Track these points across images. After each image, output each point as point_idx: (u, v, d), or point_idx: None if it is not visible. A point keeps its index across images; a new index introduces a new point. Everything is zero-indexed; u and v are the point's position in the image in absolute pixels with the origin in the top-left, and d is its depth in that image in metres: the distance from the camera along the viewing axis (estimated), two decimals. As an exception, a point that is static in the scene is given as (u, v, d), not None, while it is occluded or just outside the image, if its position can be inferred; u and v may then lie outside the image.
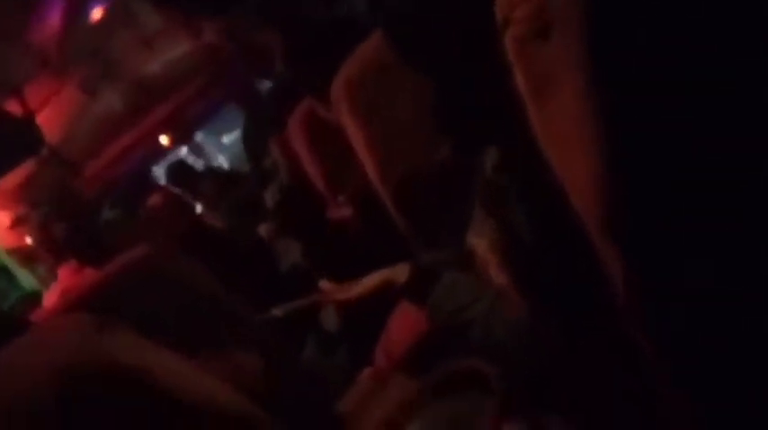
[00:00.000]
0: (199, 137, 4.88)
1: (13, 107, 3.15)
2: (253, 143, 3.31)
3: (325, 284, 1.80)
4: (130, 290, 1.32)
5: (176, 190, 3.49)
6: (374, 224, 1.58)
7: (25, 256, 3.29)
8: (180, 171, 3.99)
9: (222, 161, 4.82)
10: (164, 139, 4.29)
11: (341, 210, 1.87)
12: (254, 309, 1.97)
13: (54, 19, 3.06)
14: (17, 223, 3.26)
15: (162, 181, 4.00)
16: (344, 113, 1.16)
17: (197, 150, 5.00)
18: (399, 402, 1.19)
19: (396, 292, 1.52)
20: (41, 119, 3.28)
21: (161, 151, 4.37)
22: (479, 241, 0.85)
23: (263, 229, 2.77)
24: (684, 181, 0.48)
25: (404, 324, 1.57)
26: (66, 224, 1.93)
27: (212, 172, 4.10)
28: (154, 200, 3.05)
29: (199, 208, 3.53)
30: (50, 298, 2.24)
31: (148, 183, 3.69)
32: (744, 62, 0.47)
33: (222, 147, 5.08)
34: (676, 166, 0.48)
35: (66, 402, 0.60)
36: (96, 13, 3.33)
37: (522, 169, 0.64)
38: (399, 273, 1.53)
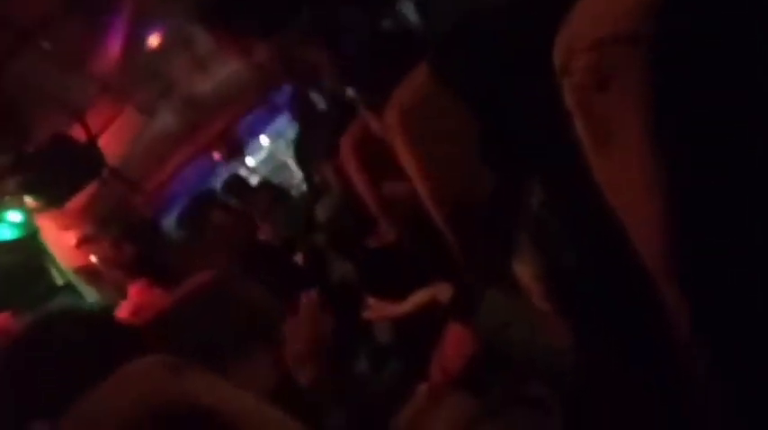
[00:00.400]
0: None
1: (76, 132, 3.30)
2: (305, 158, 3.37)
3: (372, 301, 1.84)
4: (198, 315, 1.38)
5: (236, 204, 3.57)
6: (422, 246, 1.60)
7: (90, 275, 3.43)
8: (235, 185, 4.09)
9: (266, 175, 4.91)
10: (217, 155, 4.42)
11: (389, 234, 1.89)
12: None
13: (114, 45, 3.20)
14: (83, 243, 3.41)
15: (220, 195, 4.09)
16: (398, 141, 1.18)
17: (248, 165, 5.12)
18: (460, 421, 1.21)
19: (441, 310, 1.55)
20: (103, 142, 3.42)
21: (215, 166, 4.50)
22: (524, 268, 0.87)
23: (316, 243, 2.81)
24: (747, 225, 0.49)
25: (459, 339, 1.58)
26: (136, 243, 2.01)
27: (266, 185, 4.19)
28: (218, 217, 3.12)
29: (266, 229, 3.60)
30: (121, 315, 2.34)
31: (210, 199, 3.77)
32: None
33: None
34: (737, 213, 0.49)
35: None
36: (154, 39, 3.46)
37: (574, 209, 0.65)
38: (444, 291, 1.56)
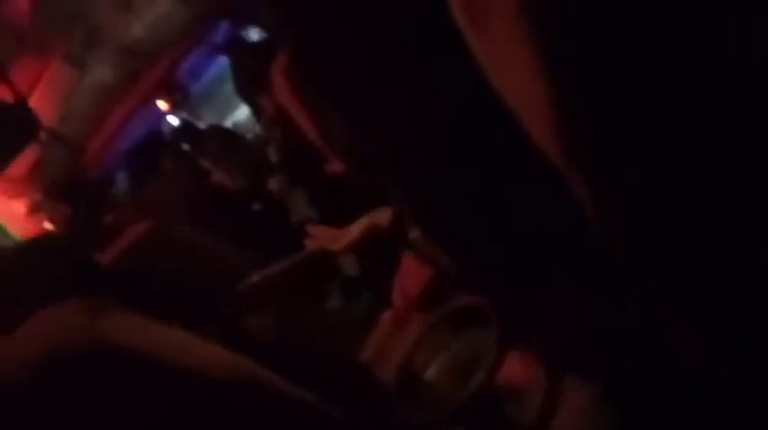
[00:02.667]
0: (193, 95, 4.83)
1: (2, 93, 3.12)
2: (247, 95, 3.26)
3: (315, 230, 1.82)
4: (138, 265, 1.34)
5: (185, 151, 3.47)
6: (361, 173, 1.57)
7: (46, 239, 3.33)
8: (184, 131, 3.96)
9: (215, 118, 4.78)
10: (161, 104, 4.25)
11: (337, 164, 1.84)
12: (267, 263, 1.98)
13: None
14: (33, 210, 3.29)
15: (168, 145, 3.97)
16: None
17: (193, 110, 4.95)
18: (412, 344, 1.21)
19: (382, 236, 1.56)
20: (33, 101, 3.24)
21: (161, 116, 4.33)
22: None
23: (272, 185, 2.76)
24: (627, 98, 0.46)
25: (414, 264, 1.58)
26: (65, 207, 1.94)
27: (215, 129, 4.06)
28: (166, 164, 3.03)
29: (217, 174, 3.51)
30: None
31: (157, 147, 3.66)
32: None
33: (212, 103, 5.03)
34: (620, 85, 0.45)
35: (56, 385, 0.60)
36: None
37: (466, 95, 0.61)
38: (382, 216, 1.56)
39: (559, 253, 0.75)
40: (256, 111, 3.25)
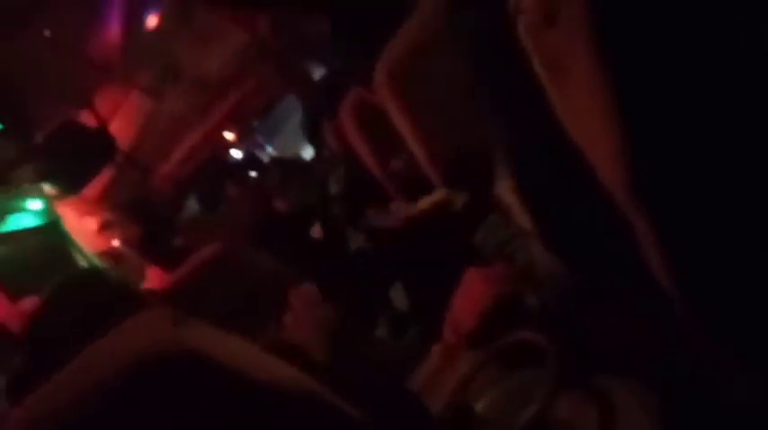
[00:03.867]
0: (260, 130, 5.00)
1: (86, 118, 3.32)
2: (312, 131, 3.37)
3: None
4: (203, 287, 1.40)
5: (251, 179, 3.58)
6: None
7: (114, 258, 3.49)
8: (249, 161, 4.11)
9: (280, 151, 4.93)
10: (228, 135, 4.42)
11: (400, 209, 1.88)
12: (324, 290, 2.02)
13: (112, 28, 3.18)
14: (103, 227, 3.46)
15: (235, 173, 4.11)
16: (388, 98, 1.17)
17: (260, 143, 5.13)
18: (462, 378, 1.21)
19: (453, 213, 1.55)
20: (113, 127, 3.44)
21: (227, 147, 4.50)
22: (504, 183, 0.87)
23: (331, 215, 2.81)
24: (702, 150, 0.49)
25: (469, 298, 1.58)
26: (139, 227, 2.03)
27: (279, 162, 4.20)
28: (232, 190, 3.13)
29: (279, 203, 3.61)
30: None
31: (224, 175, 3.80)
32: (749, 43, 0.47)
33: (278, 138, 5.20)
34: (692, 138, 0.48)
35: (144, 390, 0.62)
36: (153, 19, 3.44)
37: (545, 141, 0.65)
38: (456, 197, 1.56)
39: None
40: (319, 147, 3.36)
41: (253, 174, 3.60)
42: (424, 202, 1.58)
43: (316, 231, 2.92)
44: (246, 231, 2.62)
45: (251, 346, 0.81)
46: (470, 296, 1.55)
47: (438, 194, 1.54)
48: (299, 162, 4.04)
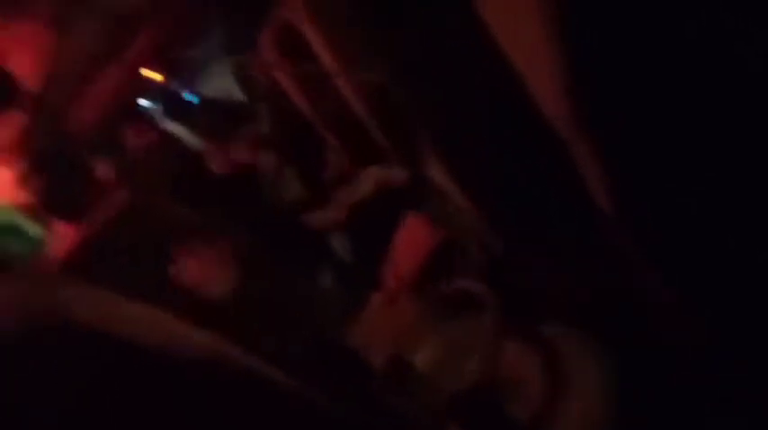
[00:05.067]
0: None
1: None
2: (240, 69, 3.17)
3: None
4: (111, 239, 1.29)
5: (169, 127, 3.41)
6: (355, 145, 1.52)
7: (33, 212, 3.26)
8: (176, 106, 3.88)
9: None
10: (151, 74, 4.13)
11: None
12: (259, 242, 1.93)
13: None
14: (21, 179, 3.21)
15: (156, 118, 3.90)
16: (306, 19, 1.06)
17: (188, 82, 4.85)
18: (404, 329, 1.16)
19: (393, 194, 1.50)
20: (13, 65, 3.14)
21: (151, 87, 4.22)
22: (436, 168, 0.83)
23: (262, 160, 2.69)
24: (637, 68, 0.55)
25: (408, 245, 1.53)
26: (43, 177, 1.87)
27: (208, 103, 3.98)
28: (148, 138, 2.96)
29: (198, 144, 3.43)
30: (55, 251, 2.21)
31: (141, 121, 3.59)
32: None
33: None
34: (629, 52, 0.53)
35: (18, 353, 0.58)
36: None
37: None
38: (394, 173, 1.50)
39: (560, 219, 0.77)
40: (247, 83, 3.17)
41: (177, 119, 3.41)
42: (363, 186, 1.52)
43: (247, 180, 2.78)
44: (167, 179, 2.46)
45: (151, 310, 0.76)
46: (411, 241, 1.50)
47: (375, 175, 1.48)
48: (229, 103, 3.83)
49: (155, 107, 3.74)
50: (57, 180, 1.85)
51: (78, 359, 0.59)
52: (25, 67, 3.11)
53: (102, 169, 2.70)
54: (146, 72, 3.94)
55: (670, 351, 0.76)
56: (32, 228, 3.41)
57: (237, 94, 3.92)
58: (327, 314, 1.81)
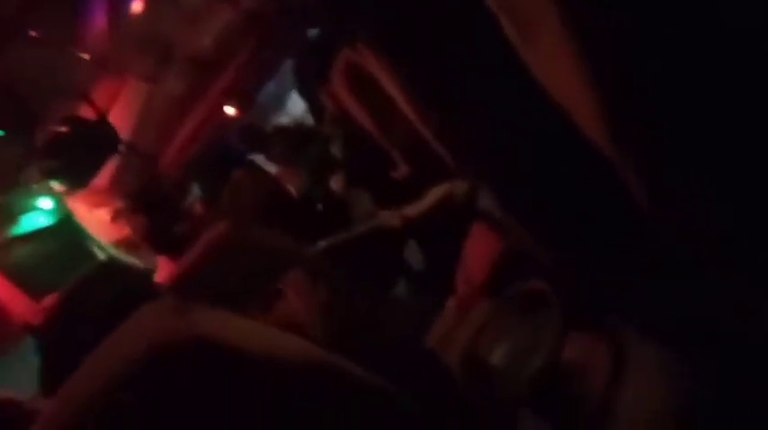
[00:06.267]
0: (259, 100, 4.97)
1: (85, 112, 3.34)
2: (309, 97, 3.33)
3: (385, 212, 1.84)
4: (210, 270, 1.41)
5: (253, 158, 3.58)
6: (424, 167, 1.60)
7: (130, 246, 3.54)
8: (250, 134, 4.08)
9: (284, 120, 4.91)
10: (230, 110, 4.40)
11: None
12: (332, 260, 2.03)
13: (100, 18, 3.17)
14: (116, 217, 3.51)
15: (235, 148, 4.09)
16: (371, 60, 1.16)
17: (260, 114, 5.10)
18: (477, 329, 1.24)
19: (456, 205, 1.57)
20: (112, 117, 3.45)
21: (230, 122, 4.49)
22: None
23: (334, 183, 2.80)
24: (671, 91, 0.49)
25: (478, 251, 1.59)
26: (143, 216, 2.04)
27: (280, 130, 4.16)
28: (236, 173, 3.13)
29: (273, 168, 3.61)
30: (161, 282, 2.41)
31: (225, 157, 3.79)
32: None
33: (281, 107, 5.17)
34: (662, 81, 0.49)
35: (160, 376, 0.64)
36: (138, 4, 3.41)
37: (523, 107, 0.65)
38: (458, 185, 1.57)
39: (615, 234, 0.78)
40: (318, 110, 3.33)
41: (253, 150, 3.60)
42: (427, 201, 1.59)
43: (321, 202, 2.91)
44: (252, 211, 2.63)
45: (256, 324, 0.82)
46: (480, 247, 1.57)
47: (440, 190, 1.55)
48: (301, 129, 4.01)
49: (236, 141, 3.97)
50: (152, 217, 2.03)
51: (218, 373, 0.65)
52: (122, 120, 3.43)
53: (196, 205, 2.90)
54: (227, 109, 4.22)
55: (735, 347, 0.78)
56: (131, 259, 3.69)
57: (309, 121, 4.12)
58: (404, 324, 1.88)
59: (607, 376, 0.96)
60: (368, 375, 0.76)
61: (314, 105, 3.31)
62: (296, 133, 3.90)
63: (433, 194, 1.57)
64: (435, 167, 1.57)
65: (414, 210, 1.63)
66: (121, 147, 3.36)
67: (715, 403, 0.82)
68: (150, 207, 2.16)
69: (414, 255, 2.27)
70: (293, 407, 0.67)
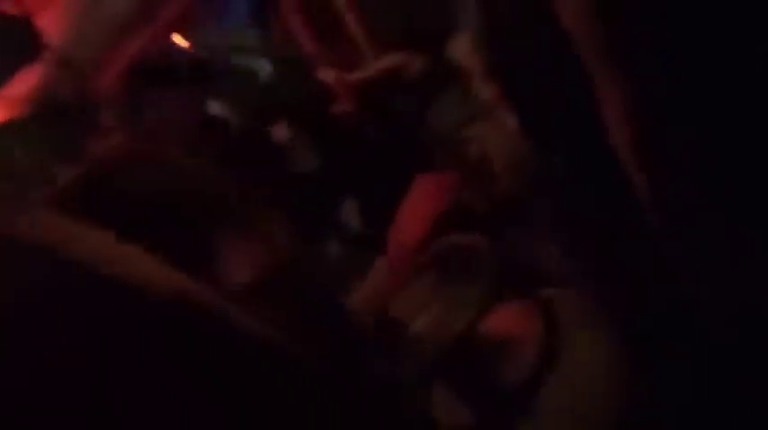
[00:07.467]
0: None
1: (6, 7, 3.05)
2: (263, 24, 3.16)
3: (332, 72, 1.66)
4: (111, 184, 1.26)
5: (189, 90, 3.41)
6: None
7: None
8: (197, 70, 3.88)
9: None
10: (178, 39, 4.13)
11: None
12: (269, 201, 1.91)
13: None
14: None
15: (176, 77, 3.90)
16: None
17: (210, 47, 4.87)
18: (403, 294, 1.12)
19: (409, 79, 1.41)
20: (40, 22, 3.17)
21: (176, 52, 4.23)
22: (461, 42, 0.77)
23: (276, 131, 2.68)
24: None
25: (416, 207, 1.48)
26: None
27: (229, 68, 3.98)
28: (168, 95, 2.95)
29: (216, 107, 3.45)
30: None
31: (156, 77, 3.59)
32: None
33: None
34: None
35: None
36: None
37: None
38: (414, 60, 1.41)
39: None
40: (268, 38, 3.16)
41: (195, 82, 3.42)
42: (375, 67, 1.41)
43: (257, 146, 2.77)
44: (178, 137, 2.46)
45: (128, 247, 0.73)
46: (418, 204, 1.46)
47: (392, 58, 1.38)
48: (249, 69, 3.85)
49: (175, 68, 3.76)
50: (63, 125, 1.86)
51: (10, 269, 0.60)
52: (53, 25, 3.14)
53: (109, 119, 2.71)
54: (175, 39, 3.95)
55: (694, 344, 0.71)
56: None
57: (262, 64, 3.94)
58: (333, 280, 1.78)
59: (537, 355, 0.84)
60: (258, 324, 0.69)
61: (265, 33, 3.16)
62: (244, 73, 3.74)
63: (383, 62, 1.40)
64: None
65: (364, 74, 1.45)
66: (47, 55, 3.08)
67: (660, 409, 0.72)
68: (64, 116, 1.99)
69: (351, 211, 2.20)
70: (144, 340, 0.61)
